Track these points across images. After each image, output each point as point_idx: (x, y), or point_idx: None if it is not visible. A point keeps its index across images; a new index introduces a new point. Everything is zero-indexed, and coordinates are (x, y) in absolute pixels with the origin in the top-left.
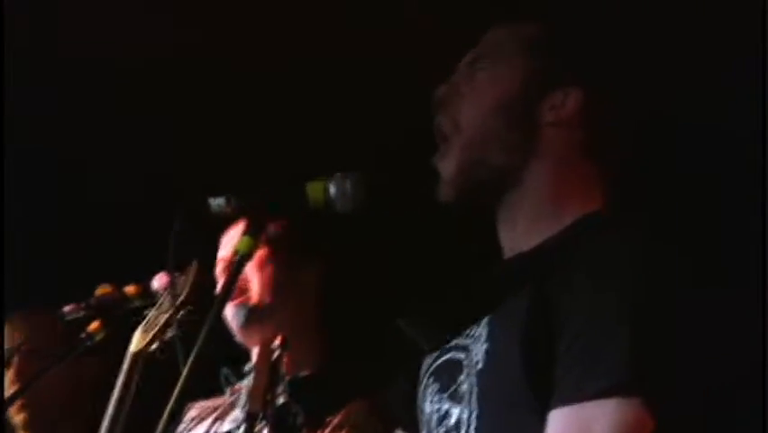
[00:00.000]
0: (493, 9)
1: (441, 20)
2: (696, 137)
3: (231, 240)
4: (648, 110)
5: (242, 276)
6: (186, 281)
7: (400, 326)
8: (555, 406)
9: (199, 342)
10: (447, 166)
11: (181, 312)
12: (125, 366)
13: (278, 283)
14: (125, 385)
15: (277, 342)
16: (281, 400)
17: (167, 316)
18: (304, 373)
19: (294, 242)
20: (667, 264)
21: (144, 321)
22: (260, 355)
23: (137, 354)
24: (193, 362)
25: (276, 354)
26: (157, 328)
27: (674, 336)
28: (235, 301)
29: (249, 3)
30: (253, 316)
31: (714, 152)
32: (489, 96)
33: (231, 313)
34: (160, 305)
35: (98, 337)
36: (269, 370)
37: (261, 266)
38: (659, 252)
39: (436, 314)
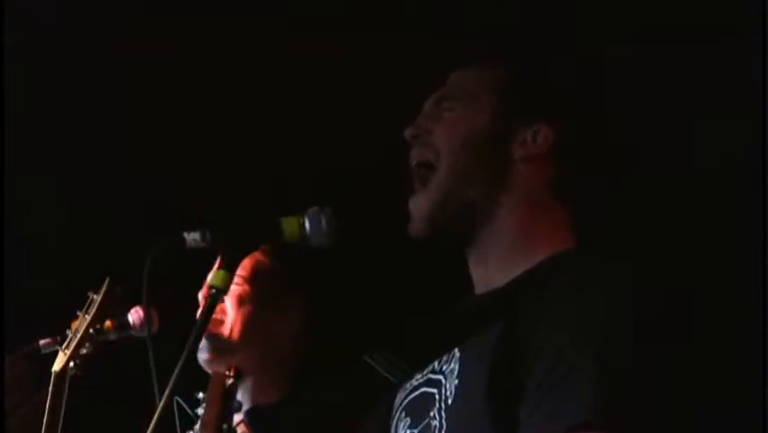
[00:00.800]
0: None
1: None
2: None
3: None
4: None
5: (220, 308)
6: (97, 299)
7: (368, 361)
8: None
9: (175, 375)
10: (421, 202)
11: (91, 330)
12: (50, 388)
13: (252, 323)
14: (53, 407)
15: (229, 372)
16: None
17: (80, 334)
18: (266, 402)
19: (277, 284)
20: (636, 302)
21: (66, 341)
22: (213, 385)
23: (58, 374)
24: (169, 394)
25: (228, 382)
26: (72, 346)
27: (644, 373)
28: (207, 331)
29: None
30: (222, 348)
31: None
32: (459, 133)
33: (201, 342)
34: (77, 325)
35: (73, 371)
36: (222, 399)
37: (240, 303)
38: (627, 290)
39: (406, 348)
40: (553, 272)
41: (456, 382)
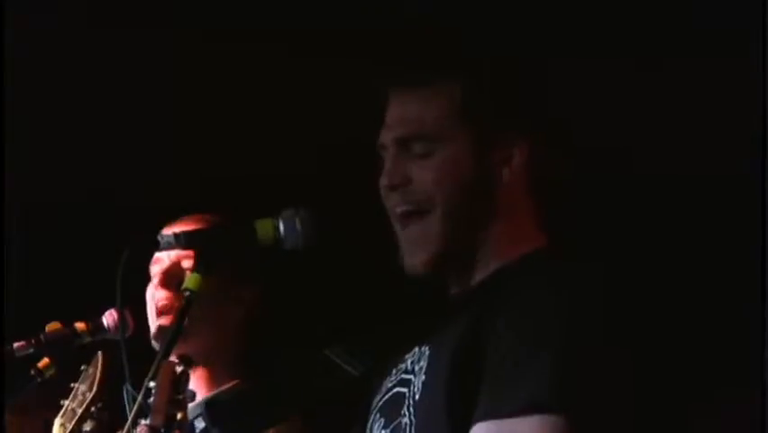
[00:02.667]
0: None
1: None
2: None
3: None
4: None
5: (170, 296)
6: (94, 375)
7: (328, 354)
8: (477, 420)
9: (149, 376)
10: (423, 246)
11: (92, 408)
12: None
13: (203, 311)
14: None
15: (178, 360)
16: (199, 423)
17: (81, 410)
18: (223, 392)
19: (227, 269)
20: (596, 289)
21: (62, 411)
22: (164, 373)
23: None
24: (143, 395)
25: (178, 370)
26: (74, 422)
27: (602, 357)
28: (161, 321)
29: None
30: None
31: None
32: (449, 179)
33: (156, 332)
34: (74, 396)
35: (48, 374)
36: (171, 386)
37: None
38: (591, 287)
39: (368, 342)
40: (520, 272)
41: (423, 378)
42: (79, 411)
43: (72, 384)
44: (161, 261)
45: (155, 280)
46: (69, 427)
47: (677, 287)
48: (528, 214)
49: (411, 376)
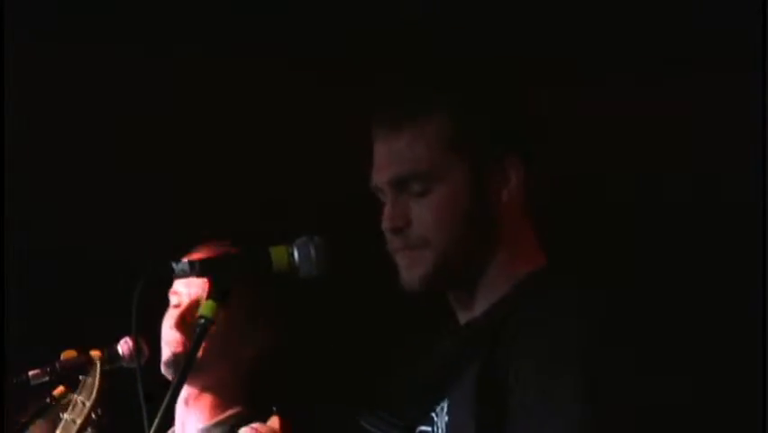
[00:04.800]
0: None
1: None
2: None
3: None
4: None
5: (184, 341)
6: (92, 384)
7: (361, 423)
8: None
9: (164, 405)
10: (415, 275)
11: (93, 415)
12: None
13: (219, 345)
14: None
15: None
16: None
17: (81, 420)
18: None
19: (246, 309)
20: (608, 328)
21: (61, 425)
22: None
23: None
24: (158, 424)
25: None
26: (75, 431)
27: (629, 413)
28: (175, 349)
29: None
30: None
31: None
32: (447, 217)
33: (169, 359)
34: (74, 407)
35: (63, 402)
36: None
37: None
38: (599, 317)
39: (395, 401)
40: (526, 296)
41: (447, 418)
42: (80, 421)
43: (70, 395)
44: (180, 295)
45: (171, 320)
46: None
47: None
48: (528, 235)
49: (434, 416)
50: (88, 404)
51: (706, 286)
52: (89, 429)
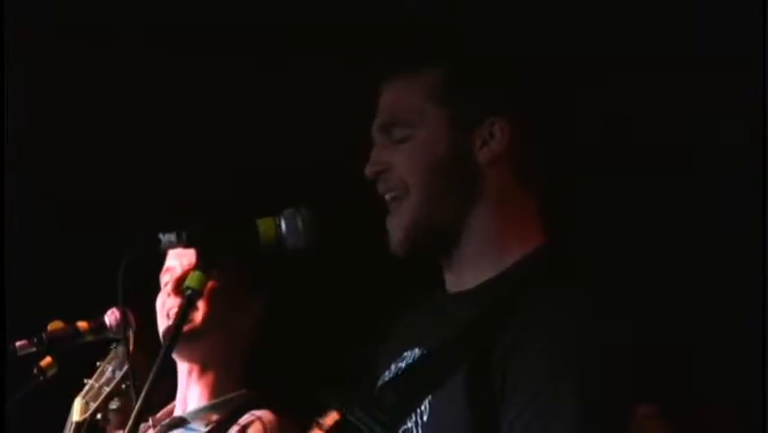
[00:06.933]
0: None
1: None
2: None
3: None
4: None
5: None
6: (125, 355)
7: (351, 420)
8: None
9: (152, 375)
10: (395, 227)
11: (123, 385)
12: None
13: (214, 315)
14: None
15: None
16: (199, 427)
17: (109, 388)
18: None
19: (239, 278)
20: (607, 331)
21: (85, 390)
22: None
23: (80, 424)
24: (146, 393)
25: None
26: (100, 400)
27: (627, 409)
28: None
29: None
30: (188, 336)
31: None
32: (423, 162)
33: (165, 331)
34: (101, 374)
35: (50, 373)
36: None
37: (206, 296)
38: (598, 317)
39: (380, 395)
40: (523, 279)
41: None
42: (107, 389)
43: (98, 363)
44: (173, 269)
45: (167, 288)
46: (94, 405)
47: (676, 288)
48: (523, 208)
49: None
50: (119, 374)
51: (706, 286)
52: (116, 399)
